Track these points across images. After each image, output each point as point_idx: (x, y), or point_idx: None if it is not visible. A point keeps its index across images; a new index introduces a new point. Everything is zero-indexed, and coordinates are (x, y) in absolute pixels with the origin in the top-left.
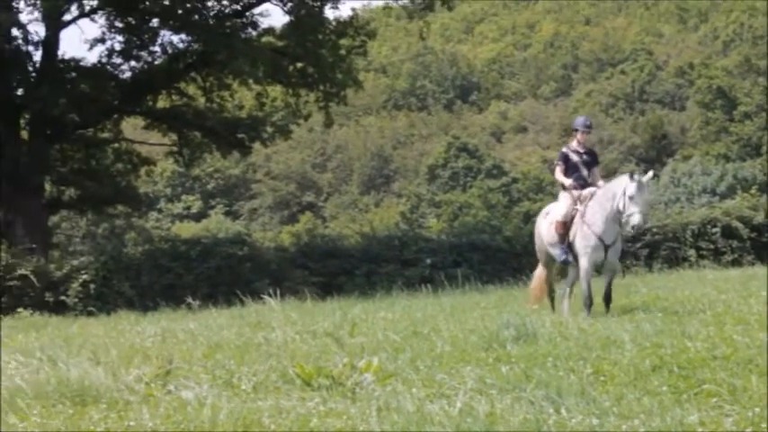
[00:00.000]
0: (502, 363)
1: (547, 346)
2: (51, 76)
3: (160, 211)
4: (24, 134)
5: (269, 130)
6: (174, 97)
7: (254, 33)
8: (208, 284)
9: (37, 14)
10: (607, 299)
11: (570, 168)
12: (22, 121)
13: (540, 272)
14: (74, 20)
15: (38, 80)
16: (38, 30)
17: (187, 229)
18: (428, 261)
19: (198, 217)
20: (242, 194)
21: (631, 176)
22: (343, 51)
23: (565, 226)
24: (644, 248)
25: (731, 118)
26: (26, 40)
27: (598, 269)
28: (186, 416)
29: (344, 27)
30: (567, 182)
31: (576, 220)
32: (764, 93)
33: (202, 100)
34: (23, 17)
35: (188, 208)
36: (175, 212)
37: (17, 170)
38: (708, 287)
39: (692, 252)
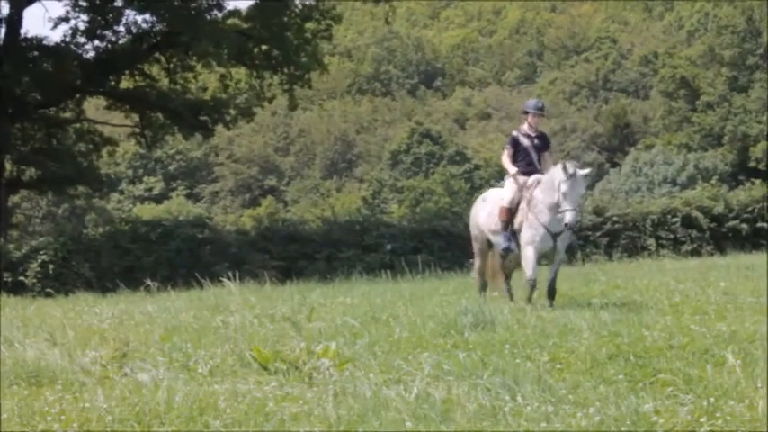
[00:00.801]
0: (459, 349)
1: (504, 333)
2: (14, 55)
3: (121, 192)
4: None
5: (232, 112)
6: (137, 78)
7: (219, 15)
8: (167, 267)
9: None
10: (551, 292)
11: (520, 153)
12: None
13: (480, 264)
14: None
15: (0, 58)
16: (1, 7)
17: (148, 211)
18: (389, 247)
19: (159, 199)
20: (204, 177)
21: (564, 169)
22: (308, 35)
23: (510, 213)
24: (604, 237)
25: (694, 108)
26: None
27: (547, 257)
28: (141, 398)
29: (310, 10)
30: (513, 169)
31: (522, 207)
32: (727, 83)
33: (166, 81)
34: None
35: (149, 190)
36: (137, 194)
37: None
38: (667, 277)
39: (651, 241)
